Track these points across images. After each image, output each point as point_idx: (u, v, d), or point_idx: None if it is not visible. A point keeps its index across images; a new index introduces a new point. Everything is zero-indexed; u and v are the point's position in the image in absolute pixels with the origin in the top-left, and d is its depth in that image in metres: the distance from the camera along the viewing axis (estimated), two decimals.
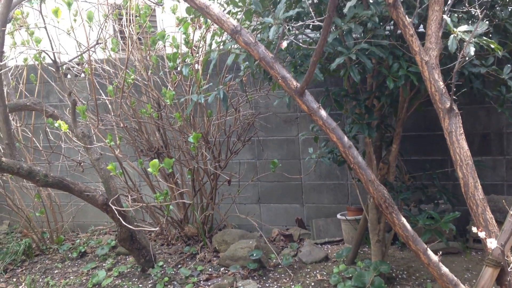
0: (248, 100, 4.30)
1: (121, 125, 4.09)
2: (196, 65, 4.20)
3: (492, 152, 4.14)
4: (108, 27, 4.40)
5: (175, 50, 4.13)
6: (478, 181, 2.42)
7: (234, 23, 2.22)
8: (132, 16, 4.21)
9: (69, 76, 4.98)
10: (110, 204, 3.36)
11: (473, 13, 2.91)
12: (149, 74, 4.25)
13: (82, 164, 3.94)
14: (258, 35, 3.12)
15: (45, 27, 3.16)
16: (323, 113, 2.29)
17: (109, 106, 4.35)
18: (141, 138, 4.35)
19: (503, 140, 4.10)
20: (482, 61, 3.05)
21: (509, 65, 3.05)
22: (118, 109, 4.07)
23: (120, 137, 3.99)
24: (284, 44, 2.20)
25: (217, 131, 4.35)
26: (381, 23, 2.98)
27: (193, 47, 4.23)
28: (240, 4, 3.21)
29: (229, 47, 2.99)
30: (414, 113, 3.52)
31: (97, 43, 3.47)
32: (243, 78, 3.63)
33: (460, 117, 2.50)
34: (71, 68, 4.63)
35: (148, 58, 4.29)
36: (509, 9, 3.30)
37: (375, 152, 3.54)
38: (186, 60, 3.83)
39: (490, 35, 3.16)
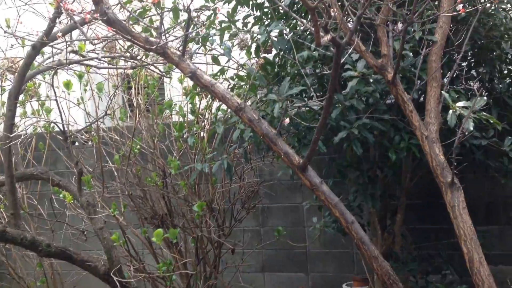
0: (252, 168, 4.33)
1: (126, 192, 4.11)
2: (202, 133, 4.27)
3: (499, 221, 4.09)
4: (117, 97, 4.52)
5: (181, 119, 4.23)
6: (483, 256, 2.39)
7: (238, 101, 2.29)
8: (141, 86, 4.34)
9: (76, 143, 5.07)
10: (112, 275, 3.32)
11: (472, 86, 2.99)
12: (155, 142, 4.31)
13: (85, 233, 3.93)
14: (263, 105, 3.21)
15: (56, 99, 3.26)
16: (325, 188, 2.32)
17: (115, 173, 4.39)
18: (146, 206, 4.35)
19: (509, 210, 4.06)
20: (483, 133, 3.09)
21: (509, 137, 3.08)
22: (124, 177, 4.10)
23: (124, 205, 3.99)
24: (287, 120, 2.27)
25: (221, 198, 4.35)
26: (382, 98, 3.06)
27: (199, 116, 4.33)
28: (245, 78, 3.33)
29: (235, 120, 3.06)
30: (419, 181, 3.53)
31: (106, 114, 3.56)
32: (248, 147, 3.68)
33: (462, 191, 2.51)
34: (79, 137, 4.72)
35: (155, 127, 4.37)
36: (507, 82, 3.39)
37: (379, 222, 3.52)
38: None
39: (490, 107, 3.22)
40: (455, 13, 2.06)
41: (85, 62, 3.38)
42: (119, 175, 4.37)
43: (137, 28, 2.64)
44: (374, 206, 3.20)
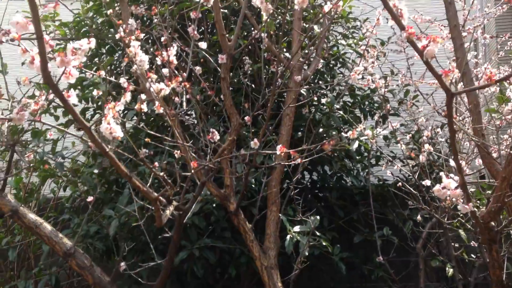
0: None
1: None
2: None
3: None
4: None
5: None
6: None
7: (68, 246, 2.05)
8: None
9: None
10: None
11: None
12: None
13: None
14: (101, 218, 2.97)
15: None
16: None
17: None
18: None
19: None
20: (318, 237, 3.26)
21: (338, 246, 3.32)
22: None
23: None
24: (123, 266, 2.09)
25: None
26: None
27: None
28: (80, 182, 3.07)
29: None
30: None
31: None
32: None
33: None
34: None
35: None
36: (335, 194, 3.66)
37: None
38: None
39: (323, 216, 3.43)
40: (289, 162, 2.10)
41: None
42: None
43: None
44: None
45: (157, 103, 1.54)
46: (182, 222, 1.86)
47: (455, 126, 1.43)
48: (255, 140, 1.84)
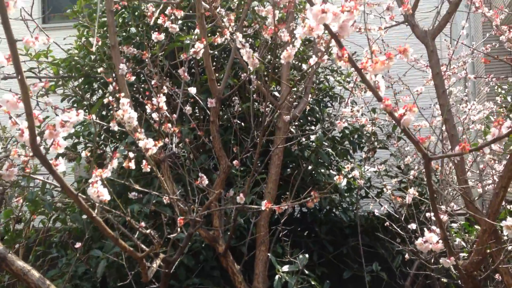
0: None
1: None
2: None
3: None
4: None
5: None
6: None
7: None
8: None
9: None
10: None
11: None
12: None
13: None
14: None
15: None
16: None
17: None
18: None
19: None
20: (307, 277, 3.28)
21: (328, 281, 3.33)
22: None
23: None
24: None
25: None
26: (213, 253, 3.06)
27: None
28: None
29: None
30: None
31: None
32: None
33: None
34: None
35: None
36: (325, 228, 3.69)
37: None
38: None
39: (312, 251, 3.46)
40: (276, 208, 2.14)
41: None
42: None
43: None
44: None
45: (144, 162, 1.57)
46: (169, 274, 1.87)
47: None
48: (241, 195, 1.88)
